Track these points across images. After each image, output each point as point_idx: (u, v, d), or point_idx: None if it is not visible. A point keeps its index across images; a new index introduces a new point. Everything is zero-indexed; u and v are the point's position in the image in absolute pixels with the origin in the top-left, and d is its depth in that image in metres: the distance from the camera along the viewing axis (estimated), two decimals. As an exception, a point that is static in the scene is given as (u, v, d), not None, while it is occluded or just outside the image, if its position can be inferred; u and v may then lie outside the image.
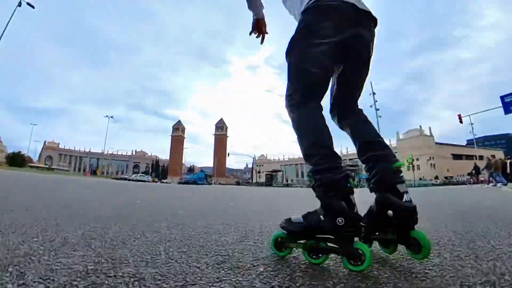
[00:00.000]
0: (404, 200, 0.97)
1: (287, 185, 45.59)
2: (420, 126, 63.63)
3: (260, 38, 1.55)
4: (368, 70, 1.20)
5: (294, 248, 1.04)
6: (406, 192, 0.99)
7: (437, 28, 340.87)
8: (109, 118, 64.04)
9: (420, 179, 45.07)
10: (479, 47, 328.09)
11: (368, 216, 1.05)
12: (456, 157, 59.50)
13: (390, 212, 0.96)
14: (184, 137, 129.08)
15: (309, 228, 0.96)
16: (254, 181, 65.50)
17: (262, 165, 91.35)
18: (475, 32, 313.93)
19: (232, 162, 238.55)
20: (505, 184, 12.37)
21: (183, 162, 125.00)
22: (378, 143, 1.12)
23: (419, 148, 57.00)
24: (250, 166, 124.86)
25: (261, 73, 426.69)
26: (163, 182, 47.07)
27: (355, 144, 1.18)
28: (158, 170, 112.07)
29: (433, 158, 56.09)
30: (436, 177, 48.22)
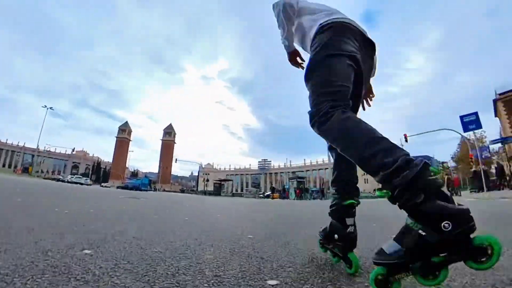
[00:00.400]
0: (347, 231, 1.15)
1: (237, 195, 45.18)
2: None
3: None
4: (364, 89, 1.26)
5: (405, 278, 0.80)
6: (352, 224, 1.16)
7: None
8: (47, 109, 56.29)
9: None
10: (404, 84, 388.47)
11: (324, 232, 1.30)
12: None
13: (336, 236, 1.19)
14: (130, 140, 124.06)
15: (414, 252, 0.75)
16: (199, 189, 65.52)
17: (208, 174, 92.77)
18: (403, 72, 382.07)
19: (177, 169, 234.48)
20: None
21: (126, 166, 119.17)
22: (349, 180, 1.23)
23: None
24: (195, 174, 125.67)
25: (214, 85, 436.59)
26: (102, 186, 45.76)
27: (335, 166, 1.26)
28: (99, 173, 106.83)
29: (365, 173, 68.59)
30: (374, 190, 56.56)
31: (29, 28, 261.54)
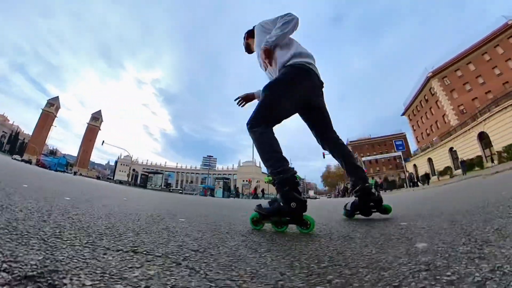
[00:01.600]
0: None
1: (176, 191, 40.71)
2: (255, 159, 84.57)
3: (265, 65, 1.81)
4: (327, 114, 1.91)
5: (265, 224, 1.56)
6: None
7: None
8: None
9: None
10: None
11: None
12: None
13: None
14: (56, 116, 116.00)
15: (275, 211, 1.45)
16: (115, 178, 63.65)
17: (126, 165, 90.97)
18: None
19: (95, 157, 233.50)
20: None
21: (46, 142, 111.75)
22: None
23: (252, 174, 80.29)
24: (111, 164, 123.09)
25: (145, 89, 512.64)
26: (14, 159, 38.77)
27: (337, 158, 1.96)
28: (15, 143, 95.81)
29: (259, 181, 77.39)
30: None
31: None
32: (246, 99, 2.11)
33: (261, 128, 1.53)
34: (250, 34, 2.05)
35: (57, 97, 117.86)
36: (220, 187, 32.56)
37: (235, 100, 2.11)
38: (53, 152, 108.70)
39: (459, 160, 23.43)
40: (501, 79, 30.49)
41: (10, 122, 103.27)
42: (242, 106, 2.11)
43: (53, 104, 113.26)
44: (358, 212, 1.95)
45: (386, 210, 1.91)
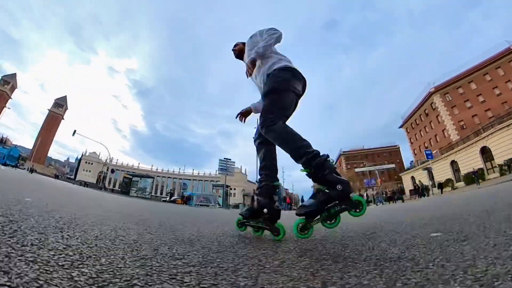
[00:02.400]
0: (275, 205, 1.58)
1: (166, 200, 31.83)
2: (241, 166, 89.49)
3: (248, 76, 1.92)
4: None
5: (315, 223, 1.45)
6: (277, 200, 1.62)
7: None
8: None
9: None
10: None
11: (250, 211, 1.69)
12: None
13: (265, 210, 1.55)
14: (10, 97, 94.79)
15: (321, 203, 1.37)
16: (77, 178, 55.58)
17: (91, 163, 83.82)
18: None
19: (53, 152, 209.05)
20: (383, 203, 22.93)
21: None
22: (274, 167, 1.75)
23: (238, 181, 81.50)
24: (71, 160, 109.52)
25: (117, 79, 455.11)
26: None
27: (261, 161, 1.79)
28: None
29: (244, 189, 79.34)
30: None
31: None
32: (245, 114, 2.17)
33: (281, 122, 1.59)
34: (243, 43, 2.17)
35: (14, 74, 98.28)
36: (219, 196, 29.92)
37: (236, 117, 2.17)
38: (2, 141, 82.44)
39: (473, 170, 24.79)
40: (501, 99, 32.41)
41: None
42: (243, 122, 2.17)
43: (8, 82, 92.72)
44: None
45: (278, 230, 1.62)
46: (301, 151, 1.45)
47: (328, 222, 1.39)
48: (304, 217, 1.45)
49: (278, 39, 1.88)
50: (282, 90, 1.67)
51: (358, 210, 1.32)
